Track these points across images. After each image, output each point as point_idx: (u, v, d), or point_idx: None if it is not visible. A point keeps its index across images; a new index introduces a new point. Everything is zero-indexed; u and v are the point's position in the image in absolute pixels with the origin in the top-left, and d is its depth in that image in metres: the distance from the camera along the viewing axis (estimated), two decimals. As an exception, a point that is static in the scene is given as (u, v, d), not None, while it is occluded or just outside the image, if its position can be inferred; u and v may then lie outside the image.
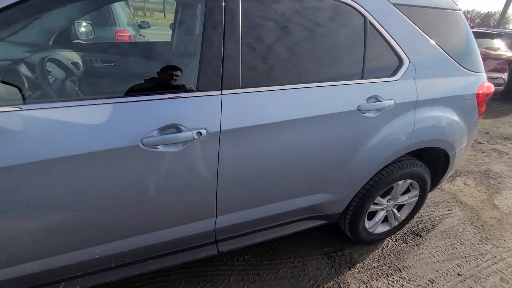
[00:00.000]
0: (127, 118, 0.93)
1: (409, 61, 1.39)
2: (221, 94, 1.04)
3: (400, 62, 1.37)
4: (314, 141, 1.25)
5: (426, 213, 2.29)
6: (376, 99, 1.32)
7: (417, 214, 2.23)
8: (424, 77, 1.45)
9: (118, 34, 4.06)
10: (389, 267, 1.76)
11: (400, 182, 1.68)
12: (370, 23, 1.27)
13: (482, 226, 2.19)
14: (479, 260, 1.86)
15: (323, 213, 1.56)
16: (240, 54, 1.05)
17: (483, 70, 1.74)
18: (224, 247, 1.37)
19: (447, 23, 1.52)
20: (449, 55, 1.51)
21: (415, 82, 1.42)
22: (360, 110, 1.28)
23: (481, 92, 1.66)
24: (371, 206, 1.69)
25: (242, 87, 1.08)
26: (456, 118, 1.59)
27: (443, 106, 1.53)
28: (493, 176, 2.98)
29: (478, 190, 2.69)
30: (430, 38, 1.44)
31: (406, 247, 1.93)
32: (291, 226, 1.53)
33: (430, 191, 2.00)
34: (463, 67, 1.58)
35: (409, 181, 1.70)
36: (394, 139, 1.42)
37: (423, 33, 1.41)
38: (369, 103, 1.30)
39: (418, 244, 1.96)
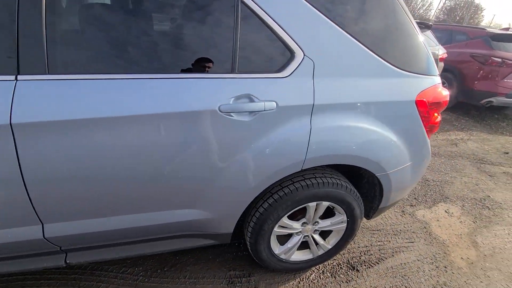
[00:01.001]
0: None
1: (304, 55, 1.09)
2: (15, 79, 0.87)
3: (292, 55, 1.09)
4: (162, 145, 1.02)
5: (378, 243, 1.91)
6: (250, 99, 1.05)
7: (366, 243, 1.87)
8: (329, 76, 1.14)
9: None
10: (298, 304, 1.46)
11: (312, 204, 1.37)
12: (243, 2, 1.01)
13: (445, 268, 1.76)
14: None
15: (204, 232, 1.32)
16: (44, 28, 0.87)
17: (435, 72, 1.36)
18: (73, 259, 1.20)
19: (370, 7, 1.19)
20: (371, 49, 1.18)
21: (314, 82, 1.12)
22: (222, 111, 1.02)
23: (424, 99, 1.29)
24: (276, 230, 1.40)
25: (51, 73, 0.90)
26: (382, 131, 1.25)
27: (359, 114, 1.20)
28: (490, 206, 2.45)
29: (460, 222, 2.21)
30: (341, 26, 1.13)
31: (331, 282, 1.60)
32: (164, 243, 1.31)
33: (372, 217, 1.65)
34: (396, 67, 1.24)
35: (325, 203, 1.39)
36: (280, 152, 1.13)
37: (328, 19, 1.11)
38: (237, 103, 1.04)
39: (349, 281, 1.62)
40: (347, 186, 1.36)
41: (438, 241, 1.98)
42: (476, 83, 4.71)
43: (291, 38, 1.07)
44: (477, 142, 3.94)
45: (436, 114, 1.40)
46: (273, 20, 1.04)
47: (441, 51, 4.07)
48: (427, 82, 1.31)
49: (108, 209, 1.09)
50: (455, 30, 5.31)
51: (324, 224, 1.50)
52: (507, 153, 3.68)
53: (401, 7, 1.24)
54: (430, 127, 1.40)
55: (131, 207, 1.12)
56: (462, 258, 1.85)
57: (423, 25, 4.09)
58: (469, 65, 4.79)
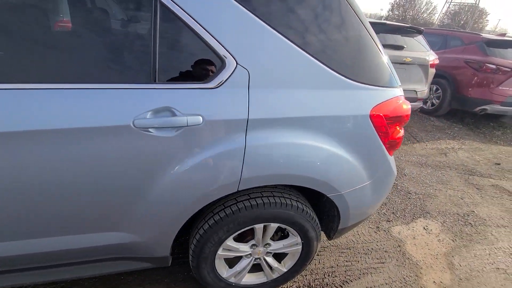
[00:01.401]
0: None
1: (237, 63, 0.97)
2: None
3: (222, 63, 0.97)
4: (70, 164, 0.91)
5: (346, 263, 1.78)
6: (171, 112, 0.94)
7: (332, 263, 1.75)
8: (268, 88, 1.02)
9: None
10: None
11: (258, 226, 1.25)
12: (161, 3, 0.89)
13: (414, 292, 1.63)
14: None
15: (138, 255, 1.20)
16: None
17: (394, 84, 1.24)
18: (-14, 284, 1.09)
19: (317, 14, 1.07)
20: (318, 59, 1.06)
21: (249, 94, 1.00)
22: (137, 126, 0.91)
23: (380, 114, 1.17)
24: (221, 253, 1.28)
25: None
26: (332, 148, 1.13)
27: (304, 130, 1.08)
28: (473, 223, 2.31)
29: (439, 240, 2.07)
30: (282, 33, 1.01)
31: (287, 308, 1.47)
32: (95, 266, 1.19)
33: (333, 238, 1.52)
34: (348, 78, 1.11)
35: (273, 225, 1.27)
36: (210, 171, 1.01)
37: (267, 25, 0.99)
38: (155, 118, 0.92)
39: (307, 307, 1.49)
40: (298, 207, 1.24)
41: (411, 261, 1.84)
42: (470, 90, 4.56)
43: (221, 45, 0.95)
44: (468, 152, 3.80)
45: (398, 129, 1.28)
46: (199, 24, 0.92)
47: (432, 57, 3.93)
48: (385, 94, 1.18)
49: (20, 232, 0.98)
50: (450, 35, 5.17)
51: (277, 246, 1.37)
52: (498, 164, 3.53)
53: (356, 15, 1.11)
54: (391, 143, 1.27)
55: (45, 229, 1.01)
56: (434, 282, 1.71)
57: (414, 30, 3.97)
58: (463, 72, 4.65)
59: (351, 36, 1.12)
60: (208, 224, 1.19)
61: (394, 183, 2.77)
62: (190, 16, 0.91)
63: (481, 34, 4.82)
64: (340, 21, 1.09)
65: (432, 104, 5.16)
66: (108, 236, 1.08)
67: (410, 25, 4.01)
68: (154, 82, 0.93)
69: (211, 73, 0.97)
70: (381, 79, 1.18)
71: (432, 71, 4.00)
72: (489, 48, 4.47)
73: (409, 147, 3.74)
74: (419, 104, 4.04)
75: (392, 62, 3.71)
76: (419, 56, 3.76)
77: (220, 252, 1.28)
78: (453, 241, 2.08)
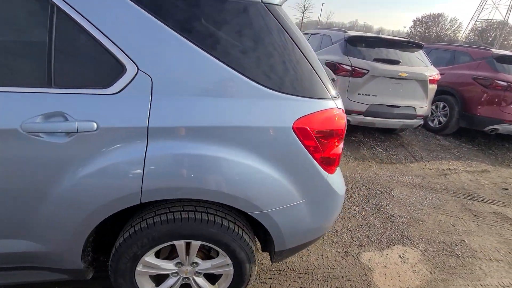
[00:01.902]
0: None
1: (138, 69, 0.94)
2: None
3: (123, 68, 0.94)
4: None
5: (299, 290, 1.62)
6: (64, 117, 0.91)
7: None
8: (173, 95, 0.97)
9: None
10: None
11: (179, 243, 1.17)
12: (57, 5, 0.88)
13: (370, 330, 1.44)
14: None
15: (49, 266, 1.15)
16: None
17: (326, 95, 1.14)
18: None
19: (232, 20, 1.02)
20: (232, 67, 1.00)
21: (151, 101, 0.95)
22: (26, 131, 0.88)
23: (306, 127, 1.07)
24: (141, 269, 1.20)
25: None
26: (248, 161, 1.04)
27: (215, 141, 1.01)
28: (460, 254, 2.06)
29: (414, 271, 1.86)
30: (190, 39, 0.97)
31: (218, 336, 1.34)
32: (4, 275, 1.16)
33: (274, 261, 1.39)
34: (267, 87, 1.04)
35: (196, 243, 1.18)
36: (108, 180, 0.96)
37: (172, 30, 0.95)
38: (46, 123, 0.89)
39: (241, 336, 1.35)
40: (222, 224, 1.15)
41: (375, 293, 1.65)
42: (479, 108, 4.27)
43: (120, 50, 0.92)
44: (472, 174, 3.49)
45: (336, 143, 1.17)
46: (97, 28, 0.90)
47: (432, 72, 3.73)
48: (313, 106, 1.09)
49: None
50: (458, 50, 4.93)
51: (205, 266, 1.28)
52: (506, 189, 3.20)
53: (279, 24, 1.05)
54: (326, 160, 1.16)
55: None
56: (397, 319, 1.51)
57: (414, 45, 3.83)
58: (471, 88, 4.37)
59: (272, 45, 1.05)
60: (123, 237, 1.13)
61: (377, 203, 2.58)
62: (87, 20, 0.90)
63: (491, 49, 4.54)
64: (259, 29, 1.03)
65: (439, 122, 4.86)
66: (12, 244, 1.05)
67: (409, 39, 3.87)
68: (50, 86, 0.91)
69: (110, 79, 0.94)
70: (308, 90, 1.09)
71: (433, 87, 3.79)
72: (499, 64, 4.19)
73: (405, 166, 3.50)
74: (418, 121, 3.81)
75: (386, 77, 3.57)
76: (416, 71, 3.58)
77: (140, 268, 1.20)
78: (431, 273, 1.85)
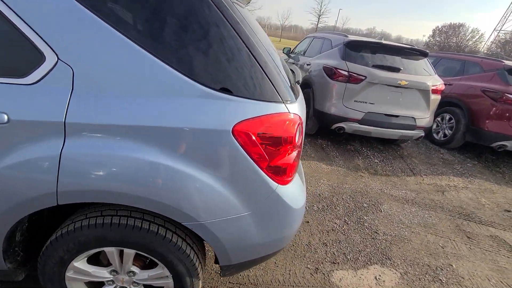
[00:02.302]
0: None
1: (58, 59, 0.86)
2: None
3: (41, 57, 0.86)
4: None
5: (256, 307, 1.50)
6: (-27, 107, 0.84)
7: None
8: (97, 89, 0.88)
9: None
10: None
11: (109, 250, 1.08)
12: None
13: None
14: None
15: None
16: None
17: (276, 99, 1.03)
18: None
19: (168, 9, 0.92)
20: (165, 61, 0.91)
21: (71, 94, 0.87)
22: None
23: (248, 131, 0.96)
24: (72, 275, 1.12)
25: None
26: (180, 165, 0.94)
27: (143, 141, 0.91)
28: (445, 280, 1.88)
29: (388, 295, 1.70)
30: (120, 30, 0.88)
31: None
32: None
33: (222, 275, 1.28)
34: (204, 85, 0.94)
35: (129, 251, 1.08)
36: (19, 178, 0.88)
37: (96, 17, 0.87)
38: (-48, 112, 0.82)
39: None
40: (158, 233, 1.05)
41: (340, 318, 1.51)
42: (487, 122, 4.01)
43: (39, 36, 0.84)
44: (473, 193, 3.26)
45: (287, 152, 1.06)
46: (12, 10, 0.83)
47: (435, 82, 3.53)
48: (257, 109, 0.98)
49: None
50: (468, 60, 4.68)
51: (142, 276, 1.18)
52: (509, 211, 2.96)
53: (221, 15, 0.95)
54: (274, 170, 1.05)
55: None
56: None
57: (418, 52, 3.64)
58: (479, 101, 4.13)
59: (214, 40, 0.95)
60: (50, 240, 1.05)
61: (362, 218, 2.42)
62: (3, 2, 0.82)
63: (503, 61, 4.28)
64: (198, 22, 0.94)
65: (444, 135, 4.62)
66: None
67: (412, 46, 3.69)
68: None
69: (27, 68, 0.86)
70: (254, 91, 0.98)
71: (436, 97, 3.58)
72: (511, 76, 3.93)
73: (401, 179, 3.31)
74: (419, 132, 3.61)
75: (385, 85, 3.41)
76: (418, 80, 3.40)
77: (70, 274, 1.12)
78: (408, 299, 1.69)
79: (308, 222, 2.26)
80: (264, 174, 1.03)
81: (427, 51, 3.67)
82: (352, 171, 3.31)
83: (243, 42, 0.98)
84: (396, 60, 3.48)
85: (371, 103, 3.42)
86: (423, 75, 3.52)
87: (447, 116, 4.56)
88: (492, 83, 4.05)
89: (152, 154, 0.92)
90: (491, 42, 44.24)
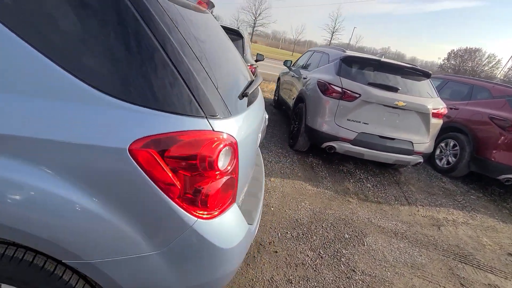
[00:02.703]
0: None
1: None
2: None
3: None
4: None
5: None
6: None
7: None
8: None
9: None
10: None
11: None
12: None
13: None
14: None
15: None
16: None
17: (197, 113, 0.82)
18: None
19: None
20: (42, 52, 0.73)
21: None
22: None
23: (151, 151, 0.76)
24: None
25: None
26: (64, 192, 0.74)
27: (12, 157, 0.72)
28: (426, 338, 1.58)
29: None
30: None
31: None
32: None
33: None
34: (97, 88, 0.75)
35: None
36: None
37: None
38: None
39: None
40: (43, 267, 0.84)
41: None
42: (494, 152, 3.70)
43: None
44: (474, 230, 2.93)
45: (210, 178, 0.84)
46: None
47: (438, 105, 3.27)
48: (168, 124, 0.78)
49: None
50: (477, 85, 4.40)
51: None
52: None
53: (130, 4, 0.77)
54: (191, 200, 0.83)
55: None
56: None
57: (420, 73, 3.41)
58: (486, 129, 3.82)
59: (116, 35, 0.76)
60: None
61: (339, 251, 2.15)
62: None
63: (514, 87, 4.00)
64: (94, 9, 0.76)
65: (448, 162, 4.30)
66: None
67: (413, 65, 3.46)
68: None
69: None
70: (165, 102, 0.78)
71: (437, 121, 3.31)
72: (522, 104, 3.64)
73: (393, 208, 3.02)
74: (416, 158, 3.33)
75: (381, 104, 3.18)
76: (417, 101, 3.15)
77: None
78: None
79: (276, 252, 2.01)
80: (176, 205, 0.82)
81: (430, 72, 3.43)
82: (339, 195, 3.04)
83: (158, 40, 0.79)
84: (395, 80, 3.25)
85: (365, 123, 3.18)
86: (424, 97, 3.27)
87: (451, 142, 4.26)
88: (501, 111, 3.75)
89: (22, 173, 0.72)
90: (508, 68, 43.38)
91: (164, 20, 0.81)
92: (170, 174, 0.79)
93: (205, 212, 0.88)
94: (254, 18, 54.43)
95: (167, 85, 0.79)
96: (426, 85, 3.42)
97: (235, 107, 1.01)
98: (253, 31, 55.75)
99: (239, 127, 0.98)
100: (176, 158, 0.79)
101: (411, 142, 3.25)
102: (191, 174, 0.82)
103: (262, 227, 2.23)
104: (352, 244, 2.27)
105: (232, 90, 1.07)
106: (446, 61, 49.70)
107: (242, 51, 3.26)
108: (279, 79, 6.28)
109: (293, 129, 4.05)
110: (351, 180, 3.47)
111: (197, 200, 0.85)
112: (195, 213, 0.86)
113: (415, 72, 3.40)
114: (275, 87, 7.05)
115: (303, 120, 3.60)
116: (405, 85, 3.26)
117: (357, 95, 3.09)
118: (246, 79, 1.38)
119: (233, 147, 0.91)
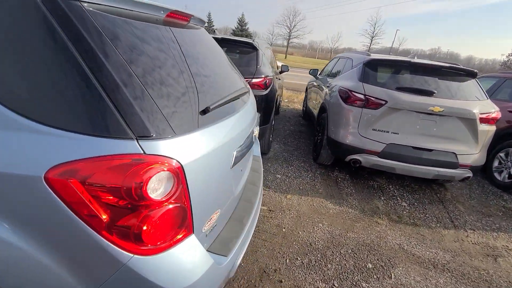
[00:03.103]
0: None
1: None
2: None
3: None
4: None
5: None
6: None
7: None
8: None
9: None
10: None
11: None
12: None
13: None
14: None
15: None
16: None
17: (123, 133, 0.72)
18: None
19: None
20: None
21: None
22: None
23: (69, 180, 0.67)
24: None
25: None
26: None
27: None
28: None
29: None
30: None
31: None
32: None
33: None
34: (8, 108, 0.69)
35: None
36: None
37: None
38: None
39: None
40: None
41: None
42: None
43: None
44: (546, 264, 2.31)
45: (144, 211, 0.73)
46: None
47: (488, 109, 2.73)
48: (90, 147, 0.69)
49: None
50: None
51: None
52: None
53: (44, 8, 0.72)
54: (123, 234, 0.72)
55: None
56: None
57: (464, 72, 2.95)
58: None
59: (34, 54, 0.71)
60: None
61: (359, 284, 1.84)
62: None
63: None
64: (15, 34, 0.71)
65: (510, 176, 3.58)
66: None
67: (454, 64, 2.98)
68: None
69: None
70: (90, 123, 0.70)
71: (487, 128, 2.77)
72: None
73: (433, 232, 2.55)
74: (464, 172, 2.80)
75: (412, 111, 2.80)
76: (458, 105, 2.68)
77: None
78: None
79: (281, 282, 1.79)
80: (103, 239, 0.72)
81: (476, 70, 2.92)
82: (366, 215, 2.68)
83: (78, 52, 0.71)
84: (430, 82, 2.83)
85: (394, 133, 2.80)
86: (469, 100, 2.78)
87: (513, 152, 3.55)
88: None
89: None
90: None
91: (91, 36, 0.75)
92: (90, 205, 0.69)
93: (142, 247, 0.77)
94: (288, 31, 54.86)
95: (89, 104, 0.71)
96: (471, 86, 2.91)
97: (189, 125, 0.89)
98: (288, 43, 56.05)
99: (192, 147, 0.86)
100: (99, 186, 0.69)
101: (454, 153, 2.76)
102: (118, 204, 0.71)
103: (269, 251, 2.03)
104: (375, 276, 1.94)
105: (191, 105, 0.96)
106: (510, 57, 43.72)
107: (256, 63, 3.18)
108: (307, 89, 6.06)
109: (317, 140, 3.79)
110: (382, 198, 3.06)
111: (129, 234, 0.74)
112: (130, 248, 0.75)
113: (457, 72, 2.93)
114: (303, 97, 6.83)
115: (324, 131, 3.34)
116: (443, 87, 2.82)
117: (383, 102, 2.75)
118: (226, 93, 1.27)
119: (176, 171, 0.78)
